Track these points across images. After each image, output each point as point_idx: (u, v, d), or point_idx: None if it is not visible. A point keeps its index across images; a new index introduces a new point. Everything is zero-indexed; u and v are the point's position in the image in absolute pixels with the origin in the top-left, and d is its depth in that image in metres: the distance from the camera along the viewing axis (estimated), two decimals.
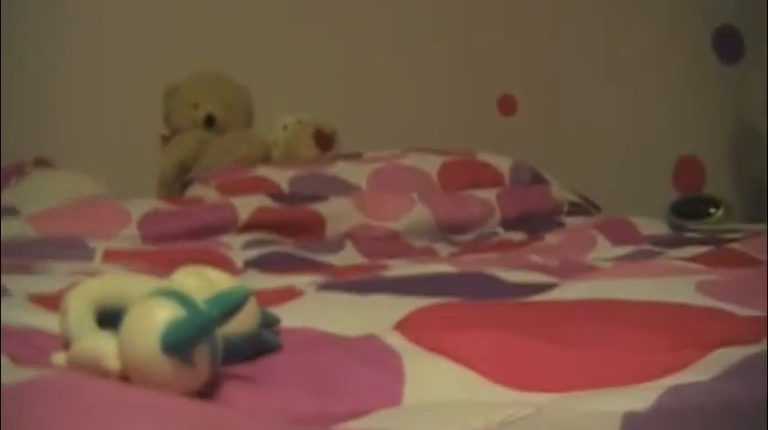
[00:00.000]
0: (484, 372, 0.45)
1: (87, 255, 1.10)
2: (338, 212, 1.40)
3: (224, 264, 1.10)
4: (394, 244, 1.32)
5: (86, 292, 0.49)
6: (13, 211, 1.29)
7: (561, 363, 0.46)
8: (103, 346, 0.43)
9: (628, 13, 2.29)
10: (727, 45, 2.37)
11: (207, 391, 0.43)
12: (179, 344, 0.41)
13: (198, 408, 0.34)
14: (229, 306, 0.43)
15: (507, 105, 2.23)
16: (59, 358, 0.46)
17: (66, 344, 0.47)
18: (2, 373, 0.36)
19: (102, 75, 2.02)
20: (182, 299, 0.43)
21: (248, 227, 1.31)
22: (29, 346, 0.51)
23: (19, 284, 0.75)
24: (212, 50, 2.05)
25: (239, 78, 2.02)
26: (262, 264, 1.07)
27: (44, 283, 0.76)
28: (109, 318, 0.44)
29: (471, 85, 2.20)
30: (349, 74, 2.14)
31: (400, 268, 0.95)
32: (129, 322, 0.43)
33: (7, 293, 0.72)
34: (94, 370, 0.43)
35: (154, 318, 0.42)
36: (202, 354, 0.42)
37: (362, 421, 0.41)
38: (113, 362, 0.42)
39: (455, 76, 2.20)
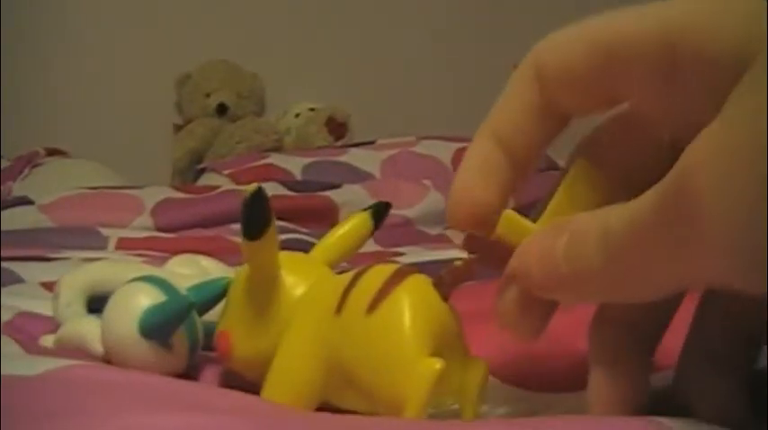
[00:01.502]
0: (494, 372, 0.44)
1: (101, 243, 1.10)
2: (351, 200, 1.40)
3: (237, 251, 1.10)
4: (408, 231, 1.31)
5: (78, 278, 0.50)
6: (26, 200, 1.29)
7: (571, 361, 0.45)
8: (88, 330, 0.44)
9: None
10: None
11: (186, 377, 0.43)
12: (157, 327, 0.41)
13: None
14: (211, 293, 0.44)
15: None
16: (48, 340, 0.47)
17: (56, 327, 0.48)
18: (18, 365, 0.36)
19: (113, 64, 2.02)
20: (163, 284, 0.43)
21: None
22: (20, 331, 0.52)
23: (32, 272, 0.76)
24: (224, 39, 2.05)
25: (251, 66, 2.02)
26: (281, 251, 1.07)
27: (57, 271, 0.76)
28: (101, 304, 0.44)
29: (485, 71, 2.19)
30: (361, 61, 2.14)
31: (414, 255, 0.95)
32: (110, 306, 0.43)
33: (20, 281, 0.72)
34: (79, 353, 0.43)
35: (133, 301, 0.42)
36: (181, 339, 0.42)
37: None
38: (96, 346, 0.43)
39: (468, 63, 2.19)
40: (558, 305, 0.33)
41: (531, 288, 0.31)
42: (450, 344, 0.33)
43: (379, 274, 0.35)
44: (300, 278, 0.40)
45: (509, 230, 0.33)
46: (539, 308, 0.32)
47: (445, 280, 0.34)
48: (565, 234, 0.30)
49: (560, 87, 0.31)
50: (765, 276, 0.23)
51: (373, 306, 0.33)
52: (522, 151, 0.34)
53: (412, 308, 0.33)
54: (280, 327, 0.38)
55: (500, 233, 0.33)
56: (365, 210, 0.45)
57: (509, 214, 0.33)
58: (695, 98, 0.26)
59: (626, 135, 0.32)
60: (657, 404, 0.34)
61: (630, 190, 0.28)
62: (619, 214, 0.27)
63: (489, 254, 0.33)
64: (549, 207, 0.33)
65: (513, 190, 0.34)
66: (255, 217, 0.38)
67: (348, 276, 0.36)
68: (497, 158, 0.34)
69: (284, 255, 0.41)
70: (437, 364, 0.31)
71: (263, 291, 0.40)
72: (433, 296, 0.34)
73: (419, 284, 0.34)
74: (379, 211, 0.46)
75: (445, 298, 0.34)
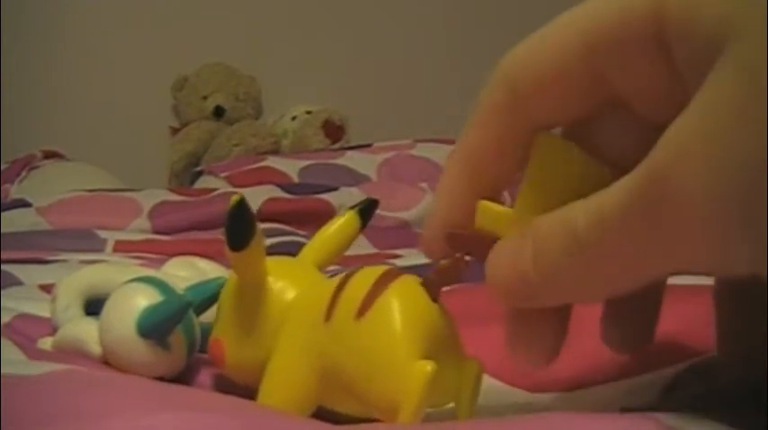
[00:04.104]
0: (495, 373, 0.44)
1: (98, 245, 1.10)
2: (348, 202, 1.38)
3: None
4: (405, 234, 1.31)
5: (76, 281, 0.50)
6: (23, 203, 1.29)
7: (571, 361, 0.45)
8: (86, 332, 0.44)
9: None
10: None
11: (184, 377, 0.44)
12: (154, 326, 0.41)
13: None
14: (208, 292, 0.44)
15: None
16: (46, 343, 0.47)
17: (54, 329, 0.48)
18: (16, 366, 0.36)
19: (111, 66, 2.02)
20: (160, 285, 0.43)
21: (259, 217, 1.30)
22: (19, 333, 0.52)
23: (30, 275, 0.76)
24: (221, 42, 2.05)
25: (248, 69, 2.02)
26: (273, 255, 1.07)
27: (55, 274, 0.76)
28: (98, 307, 0.45)
29: (482, 74, 2.20)
30: (358, 64, 2.14)
31: (412, 257, 0.95)
32: (107, 307, 0.43)
33: (18, 283, 0.72)
34: (78, 355, 0.43)
35: (131, 302, 0.42)
36: (179, 339, 0.42)
37: None
38: (95, 348, 0.43)
39: (464, 66, 2.20)
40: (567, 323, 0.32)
41: (507, 301, 0.31)
42: (442, 345, 0.33)
43: (366, 278, 0.34)
44: (289, 283, 0.40)
45: (487, 221, 0.32)
46: (551, 323, 0.32)
47: (433, 280, 0.34)
48: (529, 242, 0.29)
49: (540, 100, 0.30)
50: (763, 257, 0.23)
51: (362, 311, 0.33)
52: (495, 181, 0.33)
53: (401, 311, 0.33)
54: (270, 334, 0.38)
55: (479, 225, 0.32)
56: (352, 208, 0.45)
57: (483, 204, 0.32)
58: (685, 77, 0.26)
59: (615, 121, 0.31)
60: (657, 400, 0.34)
61: (614, 169, 0.28)
62: (586, 212, 0.27)
63: (474, 248, 0.33)
64: (521, 190, 0.32)
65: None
66: (238, 228, 0.38)
67: (336, 281, 0.36)
68: (468, 190, 0.33)
69: (272, 260, 0.41)
70: (428, 367, 0.31)
71: (252, 299, 0.40)
72: (422, 297, 0.34)
73: (407, 286, 0.34)
74: (367, 209, 0.45)
75: (435, 298, 0.34)
